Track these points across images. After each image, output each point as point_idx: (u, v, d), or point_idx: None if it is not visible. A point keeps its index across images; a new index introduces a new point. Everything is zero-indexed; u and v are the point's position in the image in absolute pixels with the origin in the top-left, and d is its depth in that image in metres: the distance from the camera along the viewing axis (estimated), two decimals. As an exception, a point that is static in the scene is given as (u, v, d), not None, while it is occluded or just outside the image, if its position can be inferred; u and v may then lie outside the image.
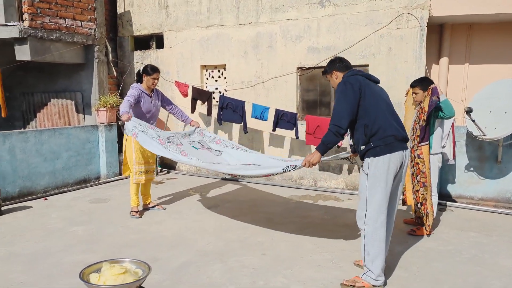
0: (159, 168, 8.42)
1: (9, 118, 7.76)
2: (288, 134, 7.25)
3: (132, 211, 5.59)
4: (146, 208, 5.87)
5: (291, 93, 7.23)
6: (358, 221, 3.56)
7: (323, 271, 3.88)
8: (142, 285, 2.66)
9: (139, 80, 5.52)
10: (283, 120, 6.96)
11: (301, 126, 7.00)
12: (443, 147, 5.82)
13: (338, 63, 3.79)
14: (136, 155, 5.47)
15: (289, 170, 3.98)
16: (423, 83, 4.77)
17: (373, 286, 3.47)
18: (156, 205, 5.94)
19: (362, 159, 3.58)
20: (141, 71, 5.49)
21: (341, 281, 3.62)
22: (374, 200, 3.43)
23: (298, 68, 7.14)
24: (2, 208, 5.77)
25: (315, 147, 3.66)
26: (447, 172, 6.23)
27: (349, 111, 3.45)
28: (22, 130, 6.99)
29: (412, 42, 6.26)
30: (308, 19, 6.93)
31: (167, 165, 8.72)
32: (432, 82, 4.80)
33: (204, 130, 5.84)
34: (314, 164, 3.62)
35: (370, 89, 3.54)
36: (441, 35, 6.72)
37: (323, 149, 3.54)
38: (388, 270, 3.86)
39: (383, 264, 3.49)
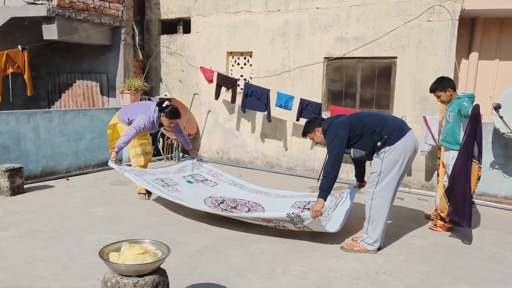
0: (181, 154, 8.42)
1: (34, 97, 7.84)
2: (312, 124, 7.14)
3: (140, 193, 5.61)
4: (147, 191, 5.80)
5: (317, 83, 7.11)
6: (366, 195, 4.01)
7: (341, 261, 3.81)
8: (161, 266, 2.64)
9: (163, 108, 5.29)
10: (308, 110, 6.85)
11: (326, 116, 6.87)
12: None
13: (317, 121, 4.18)
14: (134, 139, 5.42)
15: (294, 217, 3.89)
16: (440, 84, 4.60)
17: (368, 250, 3.98)
18: None
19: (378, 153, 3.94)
20: (163, 106, 5.29)
21: (360, 272, 3.59)
22: (386, 180, 3.88)
23: (325, 58, 7.01)
24: (25, 186, 5.84)
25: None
26: (474, 170, 6.05)
27: (340, 154, 3.87)
28: (47, 109, 7.06)
29: (443, 35, 6.07)
30: (338, 8, 6.78)
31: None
32: (449, 80, 4.62)
33: (201, 162, 5.99)
34: (320, 212, 3.79)
35: (354, 115, 4.04)
36: (472, 29, 6.49)
37: (325, 195, 3.83)
38: (409, 263, 3.79)
39: (382, 234, 3.99)
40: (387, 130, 3.88)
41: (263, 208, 5.01)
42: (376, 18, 6.47)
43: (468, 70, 6.49)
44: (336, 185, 6.52)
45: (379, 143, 3.88)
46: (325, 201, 3.84)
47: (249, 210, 4.94)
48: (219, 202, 5.09)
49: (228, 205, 5.02)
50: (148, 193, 5.65)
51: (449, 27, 5.98)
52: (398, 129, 3.88)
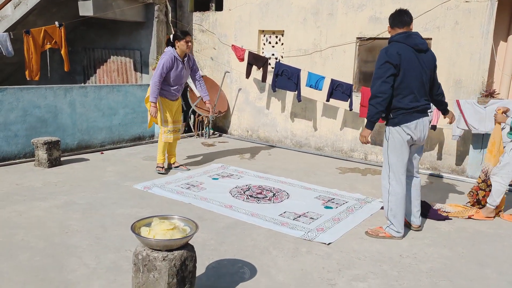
0: (211, 131, 8.54)
1: (70, 72, 8.07)
2: (342, 105, 7.11)
3: (158, 167, 5.79)
4: (170, 167, 6.00)
5: (349, 63, 7.03)
6: (383, 180, 3.97)
7: (365, 243, 3.85)
8: (189, 242, 2.75)
9: (173, 45, 5.45)
10: (338, 90, 6.81)
11: (356, 98, 6.83)
12: (503, 129, 5.50)
13: (392, 17, 3.89)
14: (164, 115, 5.59)
15: (309, 239, 3.87)
16: None
17: (393, 236, 3.94)
18: (181, 165, 6.07)
19: (386, 123, 3.91)
20: (171, 38, 5.44)
21: (383, 255, 3.63)
22: (394, 163, 3.85)
23: (357, 38, 6.90)
24: (62, 158, 6.08)
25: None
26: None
27: (386, 75, 3.65)
28: (83, 85, 7.27)
29: (481, 17, 5.87)
30: (373, -14, 6.63)
31: (219, 128, 8.83)
32: None
33: (227, 165, 6.18)
34: (367, 138, 3.88)
35: (407, 65, 3.67)
36: (513, 11, 6.25)
37: (371, 126, 3.83)
38: (433, 248, 3.79)
39: (403, 219, 3.93)
40: (399, 111, 3.74)
41: (287, 194, 5.10)
42: (412, -3, 6.31)
43: (506, 53, 6.27)
44: (364, 166, 6.55)
45: (383, 115, 3.79)
46: (371, 130, 3.85)
47: (274, 195, 5.04)
48: (244, 190, 5.20)
49: (253, 191, 5.14)
50: (166, 168, 5.87)
51: (487, 8, 5.78)
52: (407, 114, 3.73)
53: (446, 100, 4.23)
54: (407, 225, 4.18)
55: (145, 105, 7.47)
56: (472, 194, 4.80)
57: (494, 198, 4.46)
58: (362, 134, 3.90)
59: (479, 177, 4.75)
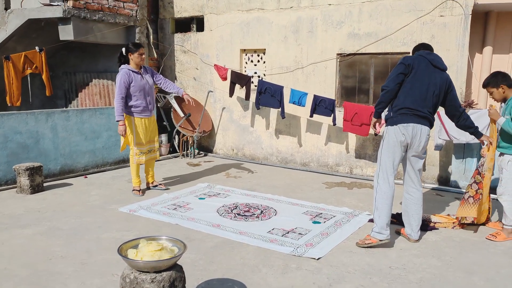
0: (196, 151, 8.51)
1: (51, 97, 7.98)
2: (326, 120, 7.17)
3: (134, 190, 5.73)
4: (149, 187, 5.96)
5: (330, 79, 7.12)
6: (374, 179, 4.12)
7: (354, 257, 3.85)
8: (178, 263, 2.71)
9: (125, 61, 5.43)
10: (321, 106, 6.88)
11: (339, 113, 6.90)
12: None
13: (506, 78, 4.26)
14: (136, 137, 5.54)
15: (299, 255, 3.85)
16: (492, 79, 4.32)
17: (379, 240, 3.97)
18: (159, 183, 6.04)
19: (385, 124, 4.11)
20: (124, 52, 5.41)
21: (373, 267, 3.63)
22: (385, 162, 4.00)
23: (338, 54, 7.01)
24: (44, 184, 5.99)
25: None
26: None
27: (394, 78, 3.95)
28: (64, 109, 7.20)
29: (456, 30, 6.03)
30: (350, 4, 6.76)
31: (204, 147, 8.81)
32: (505, 75, 4.30)
33: (214, 184, 6.19)
34: (373, 125, 4.22)
35: (418, 70, 3.94)
36: (485, 24, 6.42)
37: (377, 115, 4.12)
38: (422, 258, 3.81)
39: (387, 220, 3.97)
40: (399, 111, 3.95)
41: (275, 210, 5.10)
42: (389, 13, 6.45)
43: (482, 64, 6.43)
44: (350, 180, 6.57)
45: (385, 114, 4.06)
46: (377, 118, 4.12)
47: (261, 212, 5.03)
48: (232, 208, 5.17)
49: (241, 210, 5.12)
50: (143, 190, 5.82)
51: (462, 21, 5.94)
52: (404, 114, 3.92)
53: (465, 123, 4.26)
54: (404, 237, 4.25)
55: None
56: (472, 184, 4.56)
57: (510, 218, 4.29)
58: (373, 121, 4.22)
59: (476, 170, 4.57)
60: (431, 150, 6.33)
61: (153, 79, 5.72)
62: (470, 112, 5.75)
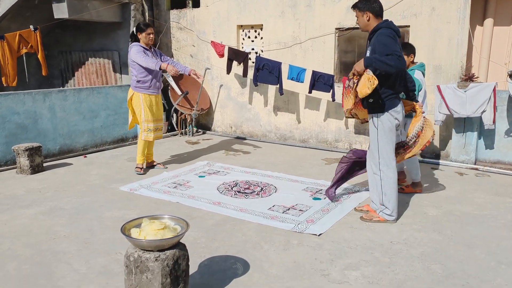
0: (195, 129, 8.49)
1: (48, 76, 7.93)
2: (325, 96, 7.13)
3: (137, 167, 5.74)
4: (150, 166, 5.96)
5: (329, 54, 7.05)
6: (373, 167, 4.07)
7: (356, 232, 3.88)
8: (180, 241, 2.72)
9: (135, 40, 5.48)
10: (320, 82, 6.83)
11: (338, 88, 6.86)
12: (483, 111, 5.61)
13: (374, 4, 3.89)
14: (145, 113, 5.53)
15: (300, 231, 3.87)
16: (405, 48, 4.67)
17: (387, 220, 4.06)
18: (158, 163, 6.05)
19: (369, 111, 3.97)
20: (134, 30, 5.47)
21: (374, 242, 3.66)
22: (385, 149, 3.95)
23: (336, 28, 6.92)
24: (44, 164, 5.98)
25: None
26: (486, 137, 6.05)
27: (399, 55, 3.65)
28: (61, 88, 7.14)
29: (456, 2, 5.94)
30: (349, -24, 6.65)
31: (202, 125, 8.78)
32: (411, 46, 4.81)
33: (213, 162, 6.17)
34: (357, 70, 3.78)
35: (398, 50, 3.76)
36: (487, -5, 6.34)
37: (368, 65, 3.69)
38: (423, 233, 3.84)
39: (396, 202, 4.04)
40: (388, 97, 3.86)
41: (275, 187, 5.10)
42: (388, -14, 6.34)
43: (483, 36, 6.36)
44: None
45: (371, 100, 3.85)
46: (367, 69, 3.69)
47: (262, 189, 5.04)
48: (232, 186, 5.18)
49: (241, 187, 5.12)
50: (145, 169, 5.82)
51: (463, -7, 5.85)
52: (393, 99, 3.88)
53: (427, 85, 4.31)
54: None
55: (126, 106, 7.39)
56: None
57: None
58: (356, 67, 3.79)
59: None
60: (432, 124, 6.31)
61: (161, 60, 5.69)
62: (471, 85, 5.72)
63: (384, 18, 3.98)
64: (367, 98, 3.88)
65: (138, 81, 5.46)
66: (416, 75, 4.64)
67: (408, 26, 6.33)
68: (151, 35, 5.44)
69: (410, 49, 4.78)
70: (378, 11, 3.91)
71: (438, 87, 5.92)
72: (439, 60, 6.16)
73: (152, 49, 5.58)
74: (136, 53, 5.32)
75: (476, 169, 5.91)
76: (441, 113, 5.96)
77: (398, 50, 3.68)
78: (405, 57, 4.61)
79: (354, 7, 4.00)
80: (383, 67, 3.64)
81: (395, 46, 3.69)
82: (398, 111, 3.92)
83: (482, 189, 5.09)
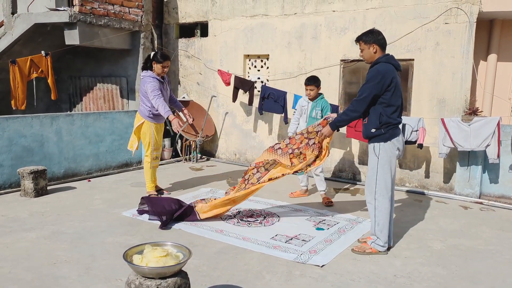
0: (199, 155, 8.53)
1: (56, 100, 8.01)
2: (329, 126, 7.16)
3: (151, 196, 5.66)
4: (160, 193, 5.97)
5: (334, 85, 7.13)
6: (368, 196, 4.07)
7: (359, 264, 3.84)
8: (182, 269, 2.71)
9: (147, 65, 5.46)
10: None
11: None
12: (488, 145, 5.63)
13: (379, 36, 3.99)
14: (154, 141, 5.61)
15: (302, 261, 3.86)
16: (318, 82, 5.61)
17: (379, 251, 4.05)
18: (161, 189, 6.08)
19: (370, 140, 4.05)
20: (151, 56, 5.45)
21: (378, 275, 3.61)
22: (384, 178, 3.95)
23: (341, 60, 7.03)
24: (48, 187, 5.99)
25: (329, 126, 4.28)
26: (490, 171, 6.04)
27: (370, 97, 3.88)
28: (69, 112, 7.23)
29: (460, 37, 6.04)
30: (354, 11, 6.79)
31: (206, 152, 8.81)
32: (318, 80, 5.65)
33: (216, 189, 6.24)
34: (325, 136, 4.40)
35: (397, 83, 3.91)
36: (490, 31, 6.44)
37: (334, 127, 4.24)
38: (427, 267, 3.80)
39: (388, 232, 4.04)
40: (389, 126, 3.91)
41: (278, 216, 5.09)
42: (393, 20, 6.47)
43: (486, 71, 6.44)
44: (353, 186, 6.56)
45: (373, 130, 3.92)
46: (334, 131, 4.27)
47: (264, 218, 5.03)
48: (235, 214, 5.17)
49: (244, 215, 5.12)
50: (157, 194, 5.82)
51: (466, 29, 5.95)
52: (395, 129, 3.95)
53: (431, 118, 4.43)
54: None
55: (132, 131, 7.49)
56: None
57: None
58: (325, 132, 4.33)
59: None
60: (435, 157, 6.33)
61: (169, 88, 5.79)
62: (475, 119, 5.75)
63: (388, 52, 4.07)
64: (369, 127, 3.97)
65: (150, 112, 5.51)
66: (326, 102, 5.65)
67: (413, 59, 6.42)
68: (166, 69, 5.45)
69: (318, 82, 5.59)
70: (383, 44, 4.01)
71: (442, 120, 5.95)
72: (443, 93, 6.22)
73: (165, 79, 5.61)
74: (152, 90, 5.31)
75: (481, 203, 5.88)
76: (445, 146, 5.97)
77: (370, 93, 3.86)
78: (315, 88, 5.55)
79: (359, 40, 4.07)
80: (349, 120, 4.08)
81: (373, 87, 3.84)
82: (399, 140, 3.97)
83: (487, 224, 5.05)
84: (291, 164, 4.60)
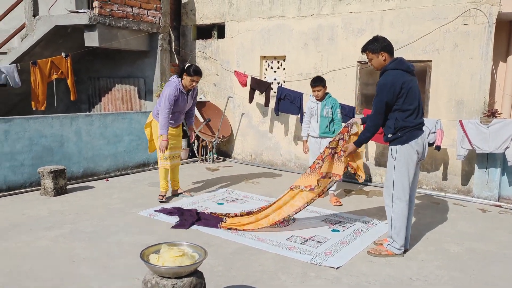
0: (215, 156, 8.58)
1: (76, 101, 8.15)
2: (345, 128, 7.14)
3: (159, 195, 5.73)
4: (175, 194, 5.97)
5: (350, 86, 7.11)
6: (386, 199, 4.05)
7: (375, 267, 3.83)
8: (198, 269, 2.74)
9: (180, 74, 5.45)
10: (341, 113, 6.84)
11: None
12: (507, 148, 5.56)
13: (385, 43, 3.97)
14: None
15: (318, 263, 3.86)
16: (323, 82, 5.72)
17: (395, 254, 4.02)
18: (184, 191, 6.05)
19: (389, 144, 4.01)
20: (185, 67, 5.43)
21: (394, 278, 3.60)
22: (401, 181, 3.92)
23: (358, 61, 7.00)
24: (67, 187, 6.10)
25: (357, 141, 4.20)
26: (509, 174, 5.97)
27: (383, 109, 3.90)
28: (88, 113, 7.34)
29: (479, 38, 5.97)
30: (371, 12, 6.76)
31: (223, 152, 8.86)
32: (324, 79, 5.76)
33: (232, 190, 6.26)
34: (349, 153, 4.28)
35: (410, 87, 3.84)
36: (510, 33, 6.34)
37: (359, 145, 4.20)
38: (444, 270, 3.77)
39: (404, 236, 4.01)
40: (406, 130, 3.87)
41: (294, 217, 5.07)
42: (411, 21, 6.42)
43: (506, 73, 6.34)
44: (369, 188, 6.53)
45: (390, 135, 3.93)
46: (358, 148, 4.21)
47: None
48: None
49: None
50: (168, 197, 5.81)
51: (485, 30, 5.88)
52: (413, 132, 3.89)
53: (449, 119, 4.35)
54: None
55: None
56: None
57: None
58: (350, 149, 4.24)
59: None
60: (453, 159, 6.26)
61: (193, 101, 5.79)
62: (494, 121, 5.68)
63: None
64: (387, 132, 3.97)
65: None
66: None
67: (430, 61, 6.36)
68: (194, 83, 5.44)
69: (324, 82, 5.71)
70: (391, 49, 3.98)
71: (461, 122, 5.89)
72: (461, 95, 6.15)
73: (190, 92, 5.60)
74: (165, 99, 5.31)
75: (499, 206, 5.80)
76: (463, 148, 5.91)
77: (381, 106, 3.87)
78: (322, 89, 5.66)
79: (365, 50, 4.05)
80: (372, 135, 4.05)
81: (383, 99, 3.85)
82: (418, 143, 3.90)
83: (505, 227, 4.98)
84: (317, 184, 4.42)
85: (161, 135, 5.36)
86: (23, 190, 6.00)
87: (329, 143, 4.47)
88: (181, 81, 5.44)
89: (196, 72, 5.39)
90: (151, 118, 5.71)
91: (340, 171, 4.39)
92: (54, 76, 7.00)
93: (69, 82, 7.21)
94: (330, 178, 4.46)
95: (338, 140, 4.38)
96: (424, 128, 4.01)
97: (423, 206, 5.76)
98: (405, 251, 4.11)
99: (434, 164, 6.50)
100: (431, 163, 6.52)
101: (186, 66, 5.49)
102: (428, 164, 6.54)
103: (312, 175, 4.47)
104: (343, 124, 4.78)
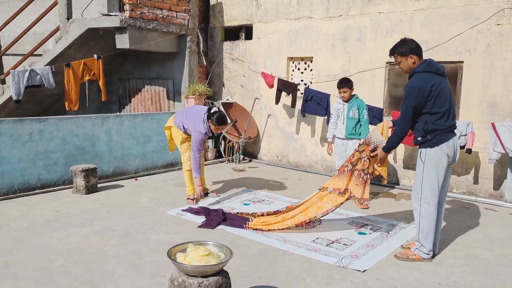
0: (242, 157, 8.63)
1: (106, 101, 8.34)
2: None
3: (188, 199, 5.71)
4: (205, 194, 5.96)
5: (379, 88, 7.03)
6: (414, 202, 3.99)
7: (402, 271, 3.78)
8: (223, 268, 2.78)
9: (210, 115, 5.36)
10: (369, 115, 6.77)
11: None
12: None
13: (413, 45, 3.92)
14: (185, 145, 5.64)
15: (343, 266, 3.83)
16: (350, 83, 5.79)
17: (424, 259, 3.95)
18: (211, 192, 6.07)
19: (419, 147, 3.95)
20: (211, 113, 5.35)
21: (421, 283, 3.55)
22: (430, 185, 3.85)
23: (387, 62, 6.92)
24: (98, 185, 6.26)
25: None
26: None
27: (411, 114, 3.84)
28: (118, 114, 7.51)
29: (514, 38, 5.82)
30: (401, 12, 6.67)
31: (249, 153, 8.91)
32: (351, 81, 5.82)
33: (258, 191, 6.30)
34: (379, 159, 4.23)
35: (440, 89, 3.77)
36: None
37: (388, 150, 4.15)
38: (473, 276, 3.69)
39: (433, 241, 3.94)
40: (435, 133, 3.79)
41: (320, 219, 5.02)
42: (441, 22, 6.31)
43: (541, 74, 6.16)
44: (397, 191, 6.45)
45: (419, 139, 3.86)
46: (388, 154, 4.17)
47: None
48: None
49: None
50: (197, 198, 5.76)
51: (520, 30, 5.73)
52: (443, 135, 3.81)
53: (481, 122, 4.25)
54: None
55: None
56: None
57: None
58: (379, 156, 4.18)
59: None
60: (485, 162, 6.12)
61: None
62: (526, 124, 5.53)
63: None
64: (416, 135, 3.91)
65: (185, 128, 5.56)
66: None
67: (462, 62, 6.24)
68: (219, 131, 5.53)
69: (351, 83, 5.78)
70: (420, 52, 3.93)
71: (493, 124, 5.75)
72: (493, 97, 6.01)
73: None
74: (195, 141, 5.38)
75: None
76: (496, 152, 5.76)
77: (409, 110, 3.82)
78: (348, 90, 5.74)
79: (393, 53, 4.01)
80: (400, 140, 4.01)
81: (411, 103, 3.80)
82: (449, 146, 3.82)
83: (539, 233, 4.84)
84: (346, 189, 4.42)
85: (195, 177, 5.47)
86: (56, 188, 6.19)
87: (358, 146, 4.45)
88: (210, 123, 5.38)
89: (220, 122, 5.34)
90: (172, 123, 5.71)
91: (357, 192, 4.36)
92: (87, 78, 7.19)
93: (100, 83, 7.39)
94: (345, 194, 4.42)
95: (367, 144, 4.34)
96: (455, 131, 3.92)
97: (453, 210, 5.65)
98: (433, 256, 4.05)
99: (464, 167, 6.37)
100: (461, 166, 6.39)
101: (212, 111, 5.38)
102: (459, 168, 6.41)
103: (341, 178, 4.44)
104: (371, 127, 4.72)
